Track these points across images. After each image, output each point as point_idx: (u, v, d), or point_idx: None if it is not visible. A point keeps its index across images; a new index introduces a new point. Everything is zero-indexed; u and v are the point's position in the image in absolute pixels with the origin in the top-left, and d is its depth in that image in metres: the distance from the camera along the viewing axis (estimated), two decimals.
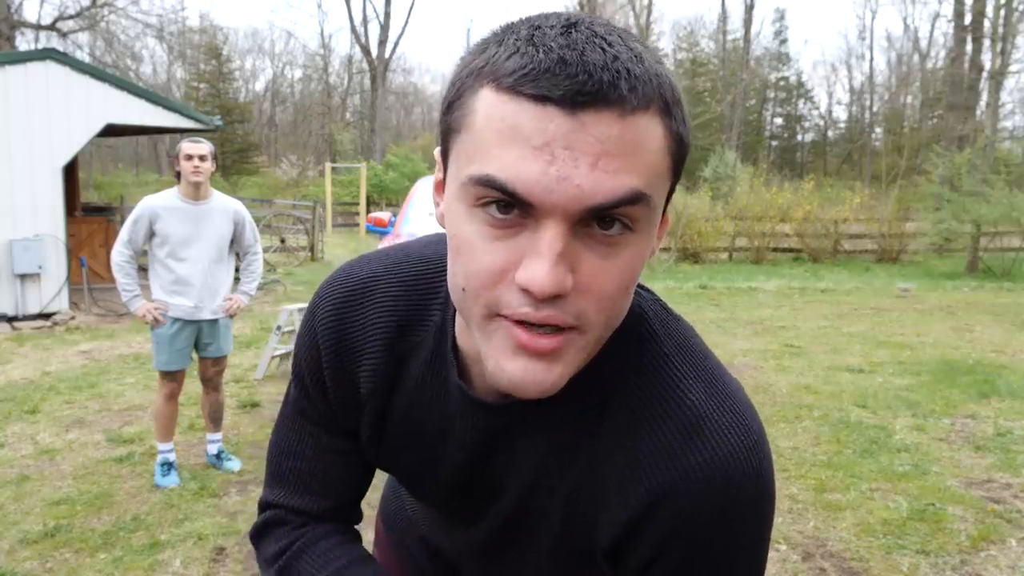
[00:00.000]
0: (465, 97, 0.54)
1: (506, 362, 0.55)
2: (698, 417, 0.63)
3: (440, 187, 0.62)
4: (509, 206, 0.52)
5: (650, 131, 0.52)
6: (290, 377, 0.83)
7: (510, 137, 0.51)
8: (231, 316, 3.77)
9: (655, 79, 0.52)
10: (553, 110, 0.50)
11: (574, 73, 0.49)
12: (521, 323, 0.54)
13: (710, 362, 0.68)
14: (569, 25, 0.52)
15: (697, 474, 0.62)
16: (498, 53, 0.52)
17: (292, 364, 0.82)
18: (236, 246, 3.81)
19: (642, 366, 0.66)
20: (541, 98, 0.50)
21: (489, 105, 0.52)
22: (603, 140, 0.50)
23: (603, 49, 0.51)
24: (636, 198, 0.52)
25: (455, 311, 0.68)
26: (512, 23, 0.56)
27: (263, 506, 0.87)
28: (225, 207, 3.71)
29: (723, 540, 0.63)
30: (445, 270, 0.69)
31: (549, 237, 0.51)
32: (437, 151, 0.61)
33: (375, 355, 0.73)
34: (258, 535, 0.86)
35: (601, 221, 0.53)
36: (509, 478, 0.72)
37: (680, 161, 0.56)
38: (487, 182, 0.51)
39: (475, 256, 0.54)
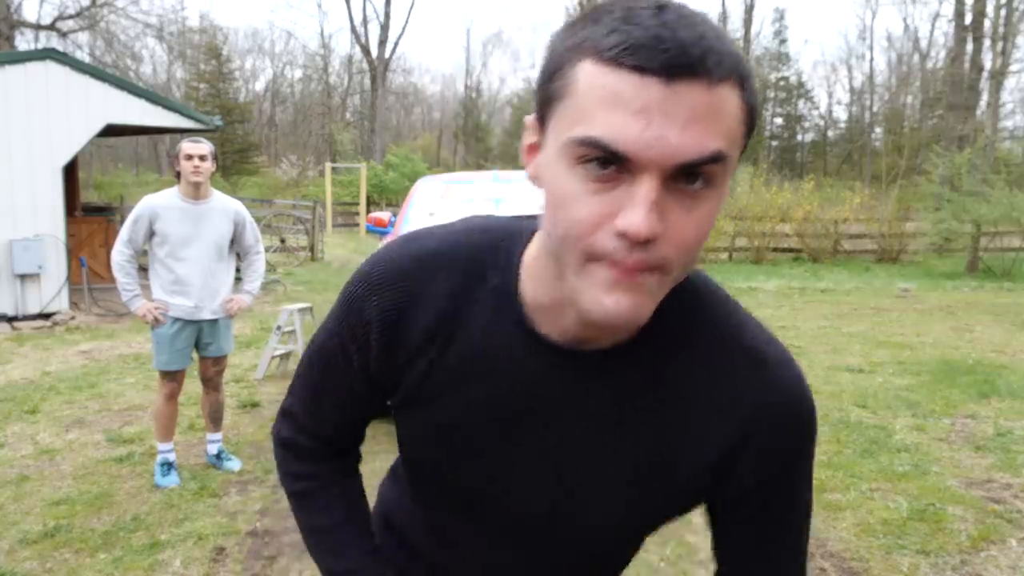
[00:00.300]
0: (565, 69, 0.61)
1: (603, 296, 0.62)
2: (761, 355, 0.75)
3: (532, 150, 0.69)
4: (607, 163, 0.59)
5: (730, 101, 0.59)
6: (323, 328, 0.88)
7: (612, 103, 0.58)
8: (232, 316, 3.77)
9: (734, 56, 0.60)
10: (651, 79, 0.57)
11: (669, 48, 0.56)
12: (615, 264, 0.61)
13: (744, 309, 0.79)
14: (659, 7, 0.59)
15: (774, 405, 0.74)
16: (596, 31, 0.59)
17: (328, 325, 0.86)
18: (237, 246, 3.81)
19: (701, 312, 0.76)
20: (641, 69, 0.57)
21: (590, 75, 0.59)
22: (693, 106, 0.57)
23: (691, 28, 0.58)
24: (718, 157, 0.59)
25: (518, 272, 0.75)
26: (602, 5, 0.62)
27: (285, 413, 0.97)
28: (225, 207, 3.71)
29: (796, 454, 0.78)
30: (499, 241, 0.77)
31: (645, 189, 0.58)
32: (530, 118, 0.68)
33: (429, 327, 0.78)
34: (282, 445, 0.98)
35: (687, 177, 0.60)
36: (575, 426, 0.77)
37: (750, 129, 0.63)
38: (591, 142, 0.58)
39: (576, 207, 0.61)
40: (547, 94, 0.63)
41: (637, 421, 0.75)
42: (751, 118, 0.63)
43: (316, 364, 0.89)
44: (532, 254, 0.74)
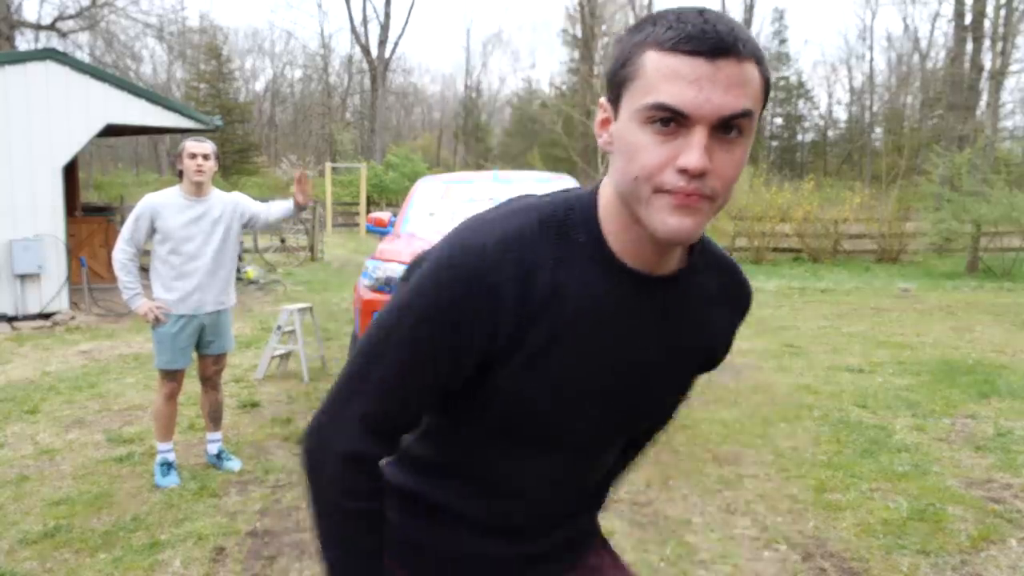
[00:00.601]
0: (633, 58, 0.84)
1: (668, 218, 0.83)
2: (734, 265, 1.09)
3: (605, 123, 0.90)
4: (668, 121, 0.81)
5: (752, 73, 0.82)
6: (407, 317, 0.92)
7: (673, 77, 0.80)
8: (304, 201, 3.81)
9: (753, 42, 0.83)
10: (700, 60, 0.79)
11: (712, 37, 0.79)
12: (676, 193, 0.82)
13: None
14: (699, 12, 0.82)
15: (746, 296, 1.11)
16: (656, 30, 0.82)
17: (416, 313, 0.91)
18: (254, 226, 3.87)
19: (703, 246, 1.03)
20: (693, 52, 0.79)
21: (655, 60, 0.81)
22: (729, 77, 0.80)
23: (725, 24, 0.81)
24: (747, 113, 0.82)
25: (599, 228, 0.93)
26: (658, 13, 0.85)
27: (356, 420, 0.96)
28: (224, 201, 3.76)
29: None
30: (566, 210, 0.94)
31: (698, 137, 0.80)
32: (603, 99, 0.91)
33: (545, 290, 0.91)
34: (345, 461, 0.96)
35: (725, 129, 0.82)
36: (652, 339, 0.98)
37: (766, 96, 0.86)
38: (659, 106, 0.80)
39: (647, 154, 0.83)
40: (620, 78, 0.85)
41: (686, 325, 1.01)
42: (767, 87, 0.85)
43: (404, 355, 0.93)
44: (606, 212, 0.93)
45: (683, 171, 0.81)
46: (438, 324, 0.90)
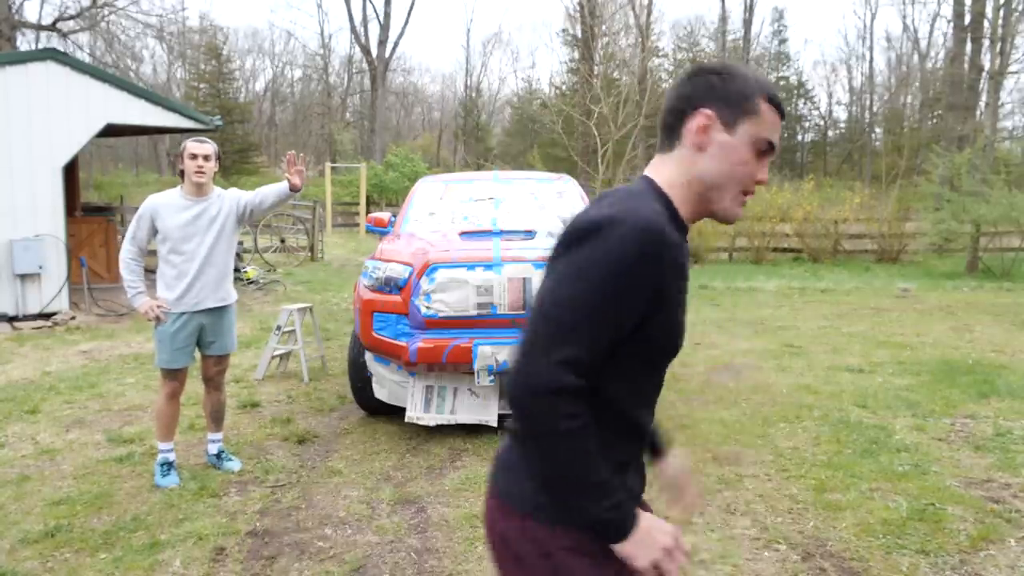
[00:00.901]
0: (755, 99, 1.26)
1: (738, 209, 1.30)
2: None
3: (706, 129, 1.27)
4: (764, 152, 1.27)
5: None
6: (601, 279, 1.14)
7: (775, 127, 1.28)
8: (300, 183, 3.87)
9: None
10: (779, 120, 1.29)
11: (784, 109, 1.29)
12: (747, 194, 1.29)
13: None
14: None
15: None
16: (766, 84, 1.28)
17: (609, 274, 1.14)
18: (251, 216, 3.89)
19: None
20: (781, 114, 1.30)
21: (767, 109, 1.27)
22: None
23: None
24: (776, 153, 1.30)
25: (672, 204, 1.28)
26: (753, 72, 1.30)
27: (564, 363, 1.13)
28: (221, 196, 3.79)
29: None
30: (651, 197, 1.25)
31: (767, 164, 1.29)
32: (709, 111, 1.26)
33: (674, 250, 1.20)
34: (560, 393, 1.14)
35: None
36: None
37: None
38: (771, 143, 1.27)
39: (748, 167, 1.27)
40: (745, 110, 1.25)
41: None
42: None
43: (596, 305, 1.14)
44: (673, 194, 1.28)
45: (759, 182, 1.29)
46: (626, 277, 1.14)
